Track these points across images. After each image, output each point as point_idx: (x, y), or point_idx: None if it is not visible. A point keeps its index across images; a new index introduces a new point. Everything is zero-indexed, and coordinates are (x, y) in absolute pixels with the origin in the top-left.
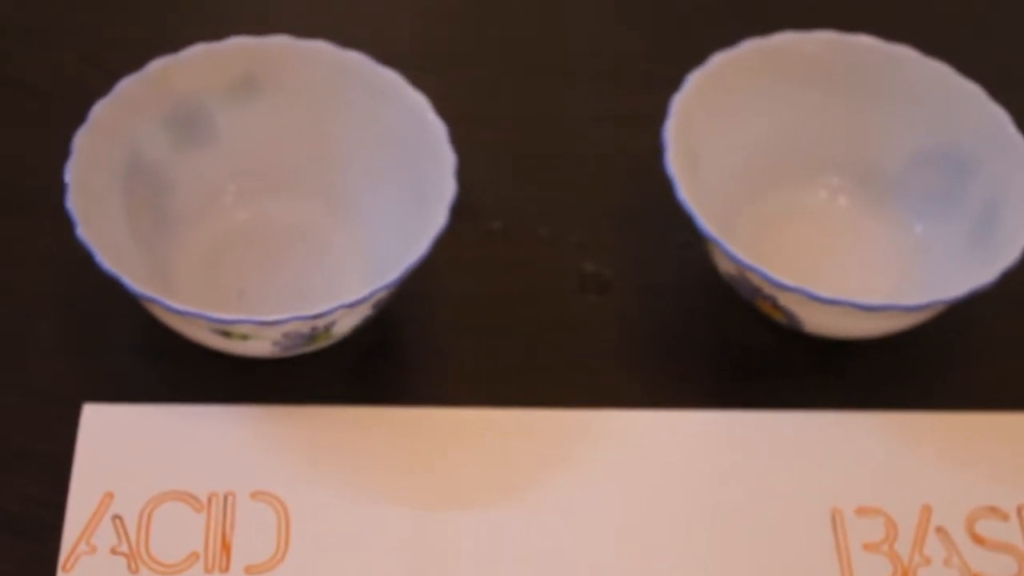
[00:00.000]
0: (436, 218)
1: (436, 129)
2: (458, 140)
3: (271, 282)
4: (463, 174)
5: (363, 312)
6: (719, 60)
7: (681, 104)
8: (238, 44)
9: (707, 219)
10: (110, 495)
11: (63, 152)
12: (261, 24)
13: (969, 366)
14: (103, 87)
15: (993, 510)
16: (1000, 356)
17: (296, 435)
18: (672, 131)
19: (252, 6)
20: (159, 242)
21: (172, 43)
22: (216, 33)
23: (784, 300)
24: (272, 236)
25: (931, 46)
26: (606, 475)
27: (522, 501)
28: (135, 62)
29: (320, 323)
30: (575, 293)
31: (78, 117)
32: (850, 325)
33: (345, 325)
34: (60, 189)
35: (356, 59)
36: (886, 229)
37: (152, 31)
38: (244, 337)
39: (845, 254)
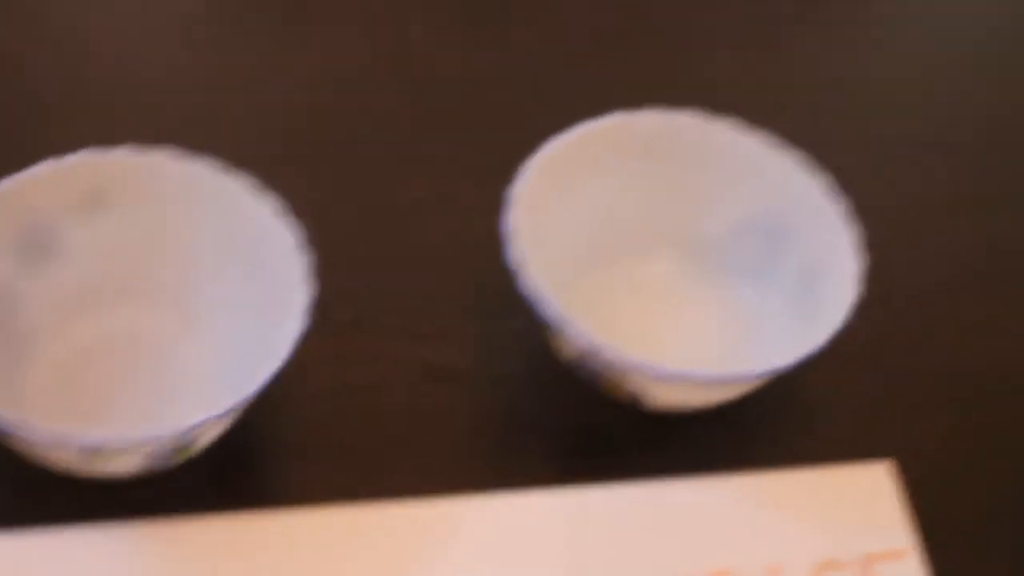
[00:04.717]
0: (292, 323)
1: (286, 234)
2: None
3: (125, 396)
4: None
5: (228, 421)
6: (552, 145)
7: (518, 193)
8: (84, 159)
9: (543, 303)
10: None
11: None
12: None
13: (795, 424)
14: None
15: (834, 563)
16: (824, 411)
17: (162, 551)
18: (512, 221)
19: (93, 116)
20: (5, 361)
21: (12, 160)
22: (43, 147)
23: (630, 378)
24: (124, 349)
25: (756, 119)
26: (474, 561)
27: None
28: None
29: (188, 436)
30: (422, 382)
31: None
32: (690, 396)
33: (210, 435)
34: None
35: (200, 169)
36: (715, 299)
37: None
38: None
39: (676, 325)
